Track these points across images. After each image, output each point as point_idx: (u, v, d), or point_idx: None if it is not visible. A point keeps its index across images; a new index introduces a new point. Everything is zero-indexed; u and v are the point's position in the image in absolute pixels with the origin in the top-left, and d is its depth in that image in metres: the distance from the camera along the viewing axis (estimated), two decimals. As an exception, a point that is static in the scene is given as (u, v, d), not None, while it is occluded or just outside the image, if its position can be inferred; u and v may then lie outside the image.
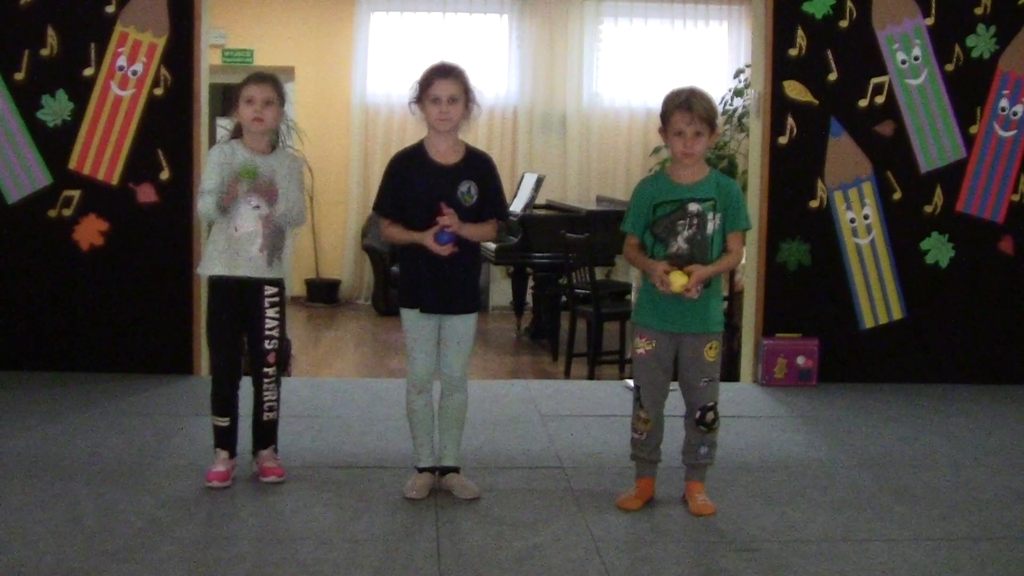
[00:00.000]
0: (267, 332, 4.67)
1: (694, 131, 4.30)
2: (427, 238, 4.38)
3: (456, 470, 4.69)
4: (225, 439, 4.68)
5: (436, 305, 4.50)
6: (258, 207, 4.55)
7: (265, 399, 4.71)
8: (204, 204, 4.53)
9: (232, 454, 4.69)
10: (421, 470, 4.63)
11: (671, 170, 4.46)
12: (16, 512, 4.27)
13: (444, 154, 4.51)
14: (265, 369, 4.69)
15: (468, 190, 4.48)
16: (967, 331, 6.90)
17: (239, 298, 4.62)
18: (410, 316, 4.56)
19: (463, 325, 4.59)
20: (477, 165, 4.55)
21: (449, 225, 4.36)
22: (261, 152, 4.60)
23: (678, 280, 4.23)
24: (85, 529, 4.13)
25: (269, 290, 4.65)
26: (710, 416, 4.44)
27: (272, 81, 4.61)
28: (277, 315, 4.68)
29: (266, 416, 4.73)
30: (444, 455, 4.69)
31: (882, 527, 4.34)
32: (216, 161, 4.56)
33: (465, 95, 4.47)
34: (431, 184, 4.46)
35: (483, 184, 4.52)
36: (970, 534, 4.28)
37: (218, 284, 4.62)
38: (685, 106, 4.30)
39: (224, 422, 4.67)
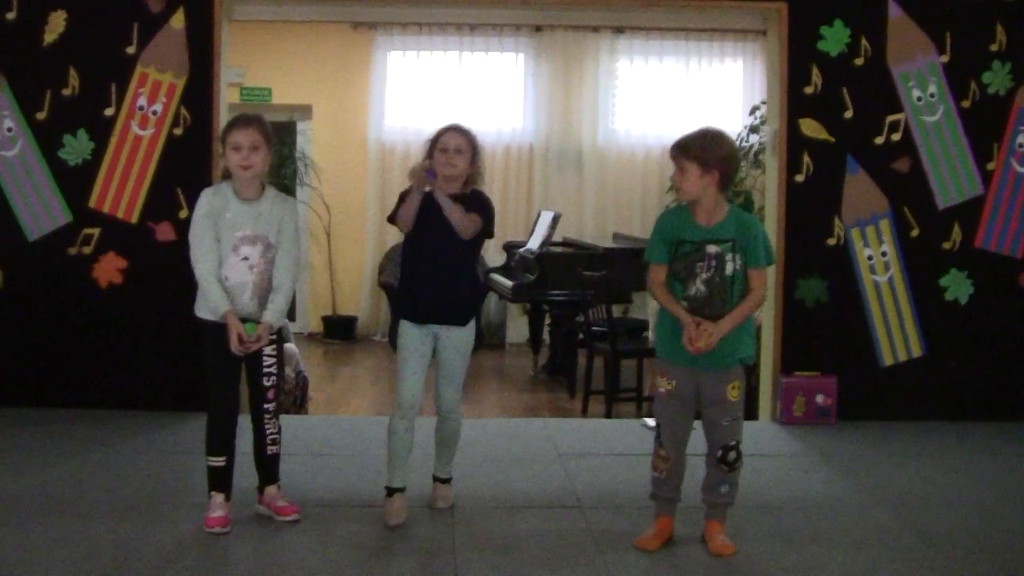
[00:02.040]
0: (265, 370, 4.66)
1: (679, 167, 4.36)
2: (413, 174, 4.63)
3: (448, 481, 4.99)
4: (221, 481, 4.62)
5: (430, 313, 4.70)
6: (247, 259, 4.55)
7: (267, 433, 4.71)
8: (205, 294, 4.56)
9: (228, 497, 4.64)
10: (391, 491, 4.75)
11: (692, 207, 4.46)
12: (35, 549, 4.28)
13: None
14: (265, 405, 4.69)
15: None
16: (987, 367, 6.86)
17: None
18: (406, 332, 4.75)
19: (457, 344, 4.75)
20: (469, 196, 4.74)
21: (431, 168, 4.60)
22: (250, 199, 4.58)
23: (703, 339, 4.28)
24: (103, 567, 4.13)
25: None
26: (732, 455, 4.42)
27: (257, 123, 4.57)
28: (274, 352, 4.68)
29: (269, 450, 4.73)
30: (438, 467, 4.99)
31: (904, 567, 4.30)
32: (205, 212, 4.54)
33: (471, 150, 4.74)
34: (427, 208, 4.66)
35: (472, 204, 4.70)
36: (993, 573, 4.25)
37: (213, 328, 4.57)
38: (677, 147, 4.40)
39: (220, 462, 4.61)
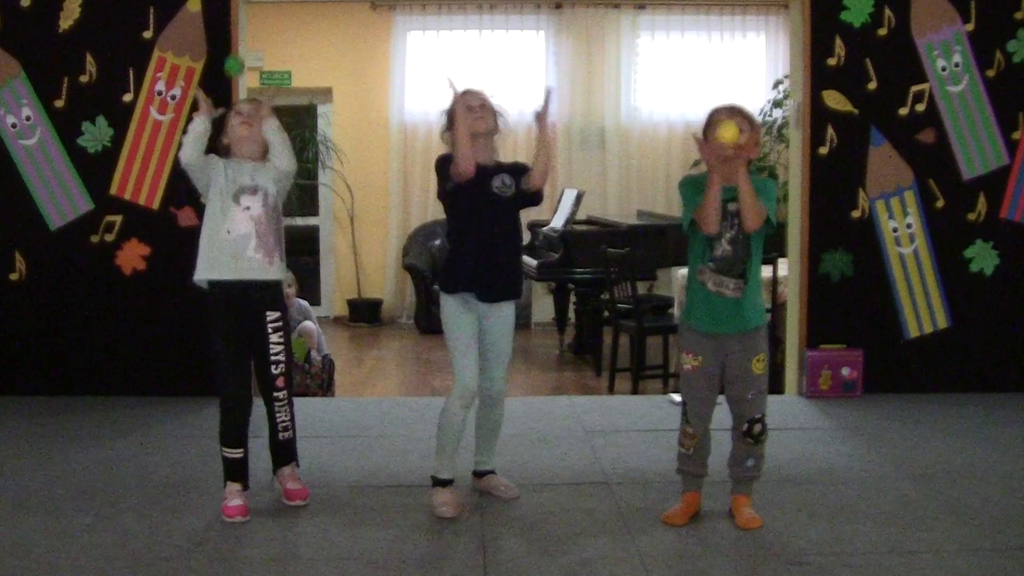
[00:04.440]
0: (273, 357, 4.63)
1: (739, 128, 4.31)
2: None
3: (494, 472, 4.88)
4: (237, 472, 4.62)
5: (500, 291, 4.62)
6: (248, 208, 4.56)
7: (279, 420, 4.69)
8: (185, 139, 4.68)
9: (245, 486, 4.63)
10: (443, 483, 4.64)
11: (711, 175, 4.43)
12: (65, 536, 4.30)
13: (480, 158, 4.65)
14: (275, 393, 4.66)
15: (503, 182, 4.64)
16: (1013, 339, 6.82)
17: (241, 307, 4.57)
18: (454, 313, 4.62)
19: (507, 320, 4.69)
20: (509, 164, 4.73)
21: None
22: (248, 158, 4.67)
23: (729, 130, 4.24)
24: (132, 551, 4.16)
25: (271, 315, 4.61)
26: (758, 428, 4.42)
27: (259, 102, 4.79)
28: (281, 339, 4.65)
29: (281, 436, 4.72)
30: (483, 460, 4.88)
31: (930, 538, 4.29)
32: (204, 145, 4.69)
33: (491, 107, 4.72)
34: (468, 180, 4.59)
35: (517, 172, 4.67)
36: (1020, 544, 4.22)
37: (218, 291, 4.57)
38: (726, 111, 4.35)
39: (237, 453, 4.60)
